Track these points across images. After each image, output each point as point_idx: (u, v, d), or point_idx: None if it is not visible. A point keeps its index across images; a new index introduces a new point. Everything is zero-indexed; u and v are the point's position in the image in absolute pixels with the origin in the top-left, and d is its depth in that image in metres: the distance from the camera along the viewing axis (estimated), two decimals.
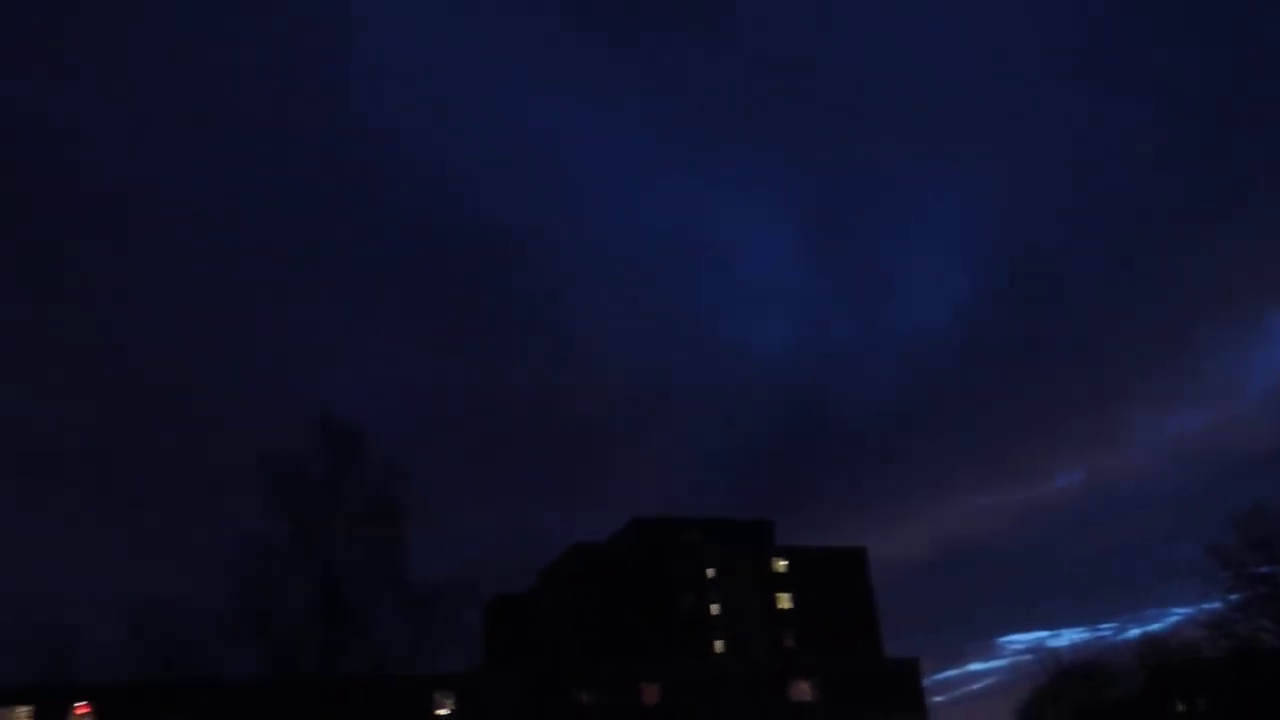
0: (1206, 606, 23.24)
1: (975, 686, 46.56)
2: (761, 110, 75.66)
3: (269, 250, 66.07)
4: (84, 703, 14.37)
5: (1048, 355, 69.83)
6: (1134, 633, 48.36)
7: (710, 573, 24.83)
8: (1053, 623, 58.34)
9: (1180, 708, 23.95)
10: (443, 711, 17.34)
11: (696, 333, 73.41)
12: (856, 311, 76.55)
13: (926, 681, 26.41)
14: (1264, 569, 22.07)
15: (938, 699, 42.31)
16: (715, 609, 24.40)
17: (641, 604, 23.44)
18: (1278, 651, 21.83)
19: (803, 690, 22.82)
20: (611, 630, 22.70)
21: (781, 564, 25.55)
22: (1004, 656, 49.71)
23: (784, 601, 25.08)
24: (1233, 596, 22.30)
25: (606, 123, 74.12)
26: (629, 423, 68.51)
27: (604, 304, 72.54)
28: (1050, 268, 70.86)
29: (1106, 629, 53.05)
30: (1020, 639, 52.99)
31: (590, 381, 69.08)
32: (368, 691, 15.59)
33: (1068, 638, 55.39)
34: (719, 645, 23.91)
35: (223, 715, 15.07)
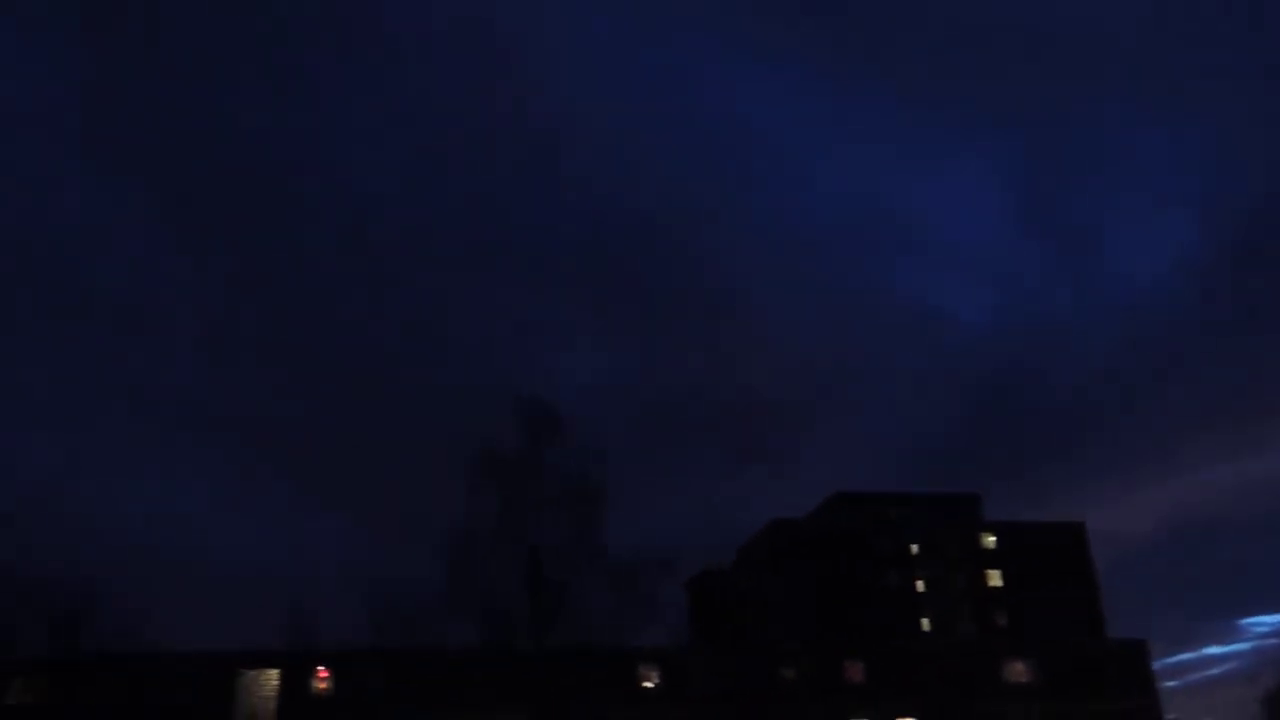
0: None
1: (1213, 672, 43.33)
2: (953, 70, 72.34)
3: (466, 241, 69.15)
4: (323, 668, 15.68)
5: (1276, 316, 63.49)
6: None
7: (914, 549, 24.20)
8: None
9: None
10: (648, 684, 17.80)
11: (896, 304, 71.28)
12: (1067, 274, 72.10)
13: (1157, 665, 24.74)
14: None
15: (1170, 684, 39.52)
16: (920, 586, 23.78)
17: (843, 581, 23.15)
18: None
19: (1018, 671, 21.88)
20: (812, 607, 22.55)
21: (990, 540, 24.56)
22: (1246, 640, 45.95)
23: (994, 579, 24.12)
24: None
25: (793, 90, 72.99)
26: (828, 398, 67.54)
27: (797, 279, 71.66)
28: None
29: None
30: (1265, 621, 48.77)
31: (786, 358, 68.60)
32: (575, 662, 16.18)
33: None
34: (925, 623, 23.32)
35: (443, 682, 16.08)
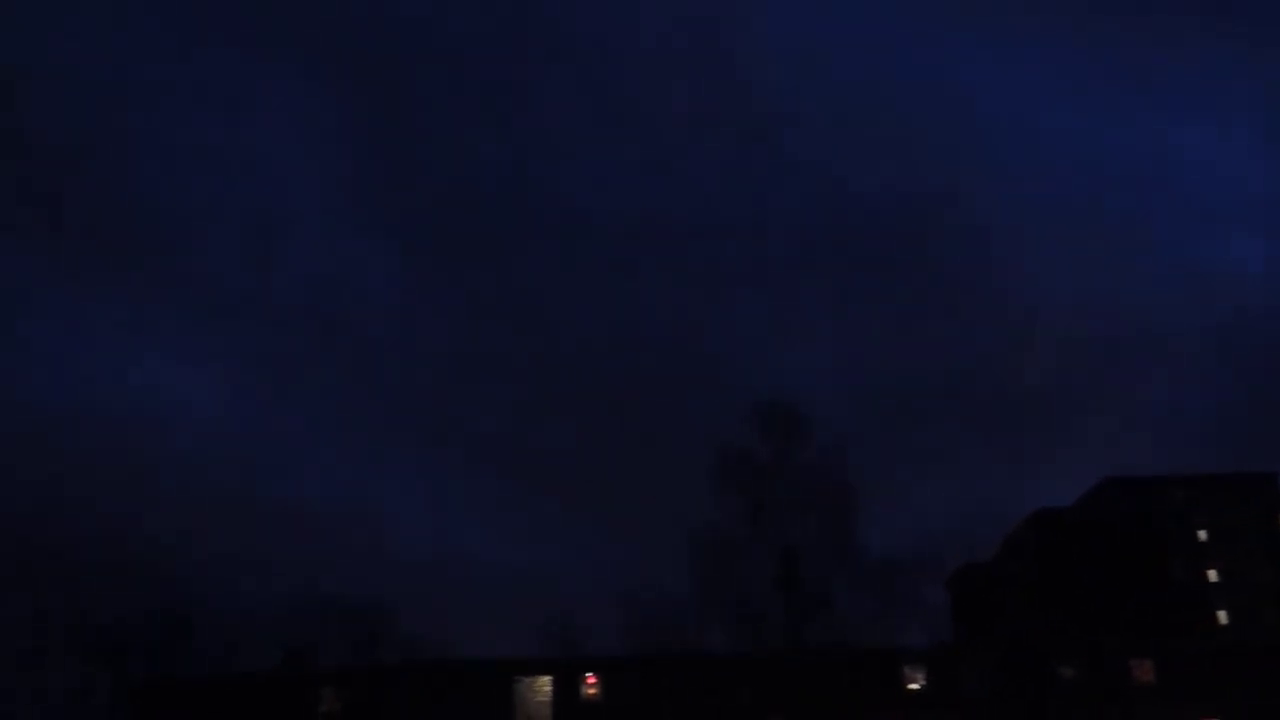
0: None
1: None
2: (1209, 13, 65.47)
3: (695, 241, 69.80)
4: (591, 674, 16.35)
5: None
6: None
7: (1203, 535, 22.13)
8: None
9: None
10: (914, 685, 17.26)
11: (1164, 268, 65.39)
12: None
13: None
14: None
15: None
16: (1213, 576, 21.71)
17: (1120, 571, 21.50)
18: None
19: None
20: (1086, 601, 21.10)
21: None
22: None
23: None
24: None
25: (1033, 56, 68.72)
26: (1095, 378, 62.95)
27: (1052, 250, 67.27)
28: None
29: None
30: None
31: (1045, 337, 64.52)
32: (836, 665, 15.97)
33: None
34: (1222, 617, 21.25)
35: (703, 687, 16.33)
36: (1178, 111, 67.98)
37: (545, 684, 16.56)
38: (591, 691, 16.56)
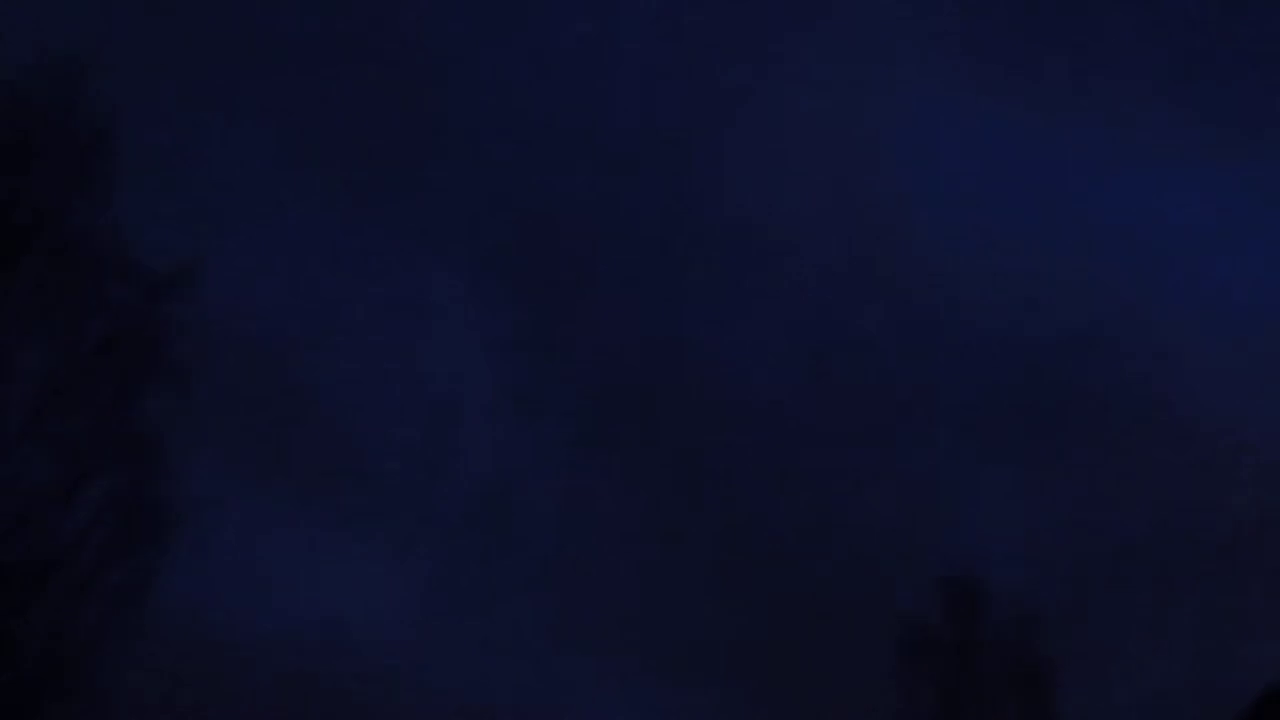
0: None
1: None
2: None
3: (857, 401, 67.48)
4: None
5: None
6: None
7: None
8: None
9: None
10: None
11: None
12: None
13: None
14: None
15: None
16: None
17: None
18: None
19: None
20: None
21: None
22: None
23: None
24: None
25: (1180, 179, 65.88)
26: None
27: (1231, 371, 61.52)
28: None
29: None
30: None
31: (1242, 470, 58.28)
32: None
33: None
34: None
35: None
36: None
37: None
38: None
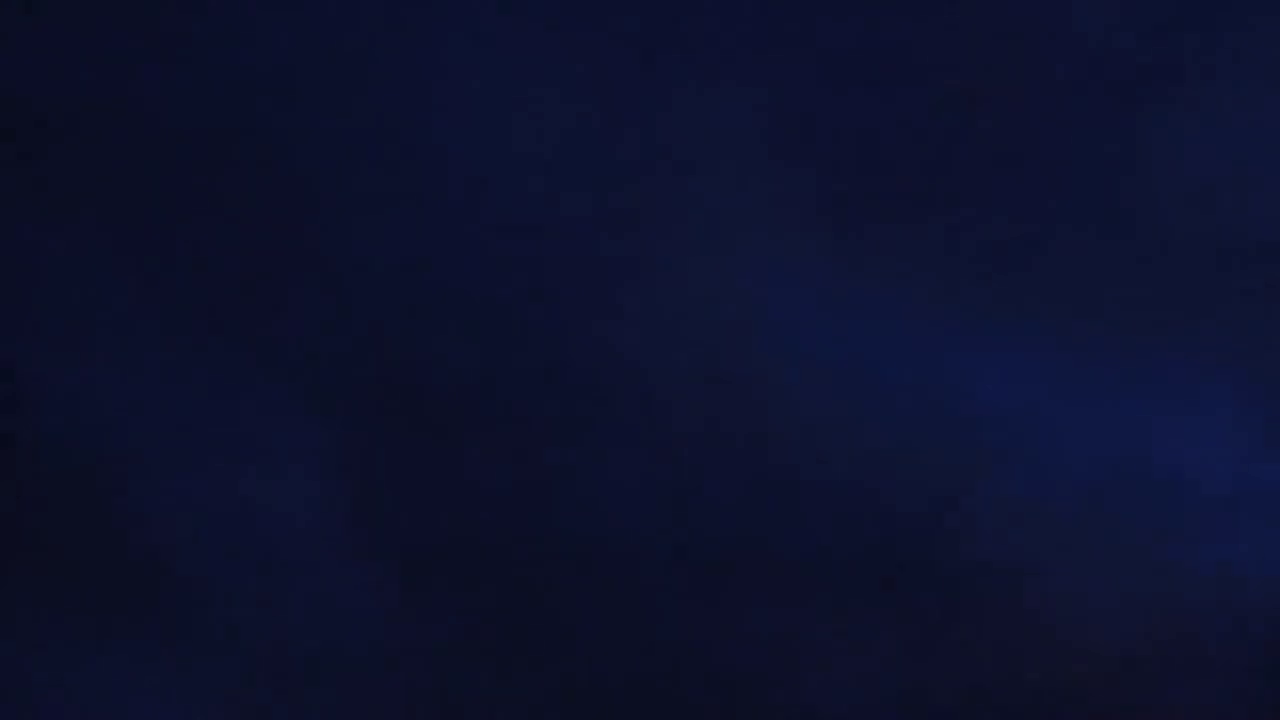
0: None
1: None
2: (1175, 305, 68.36)
3: (713, 562, 67.88)
4: None
5: None
6: None
7: None
8: None
9: None
10: None
11: (1185, 572, 63.14)
12: None
13: None
14: None
15: None
16: None
17: None
18: None
19: None
20: None
21: None
22: None
23: None
24: None
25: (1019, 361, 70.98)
26: (1130, 686, 59.24)
27: (1071, 552, 65.57)
28: None
29: None
30: None
31: (1078, 647, 61.40)
32: None
33: None
34: None
35: None
36: (1178, 416, 69.23)
37: None
38: None
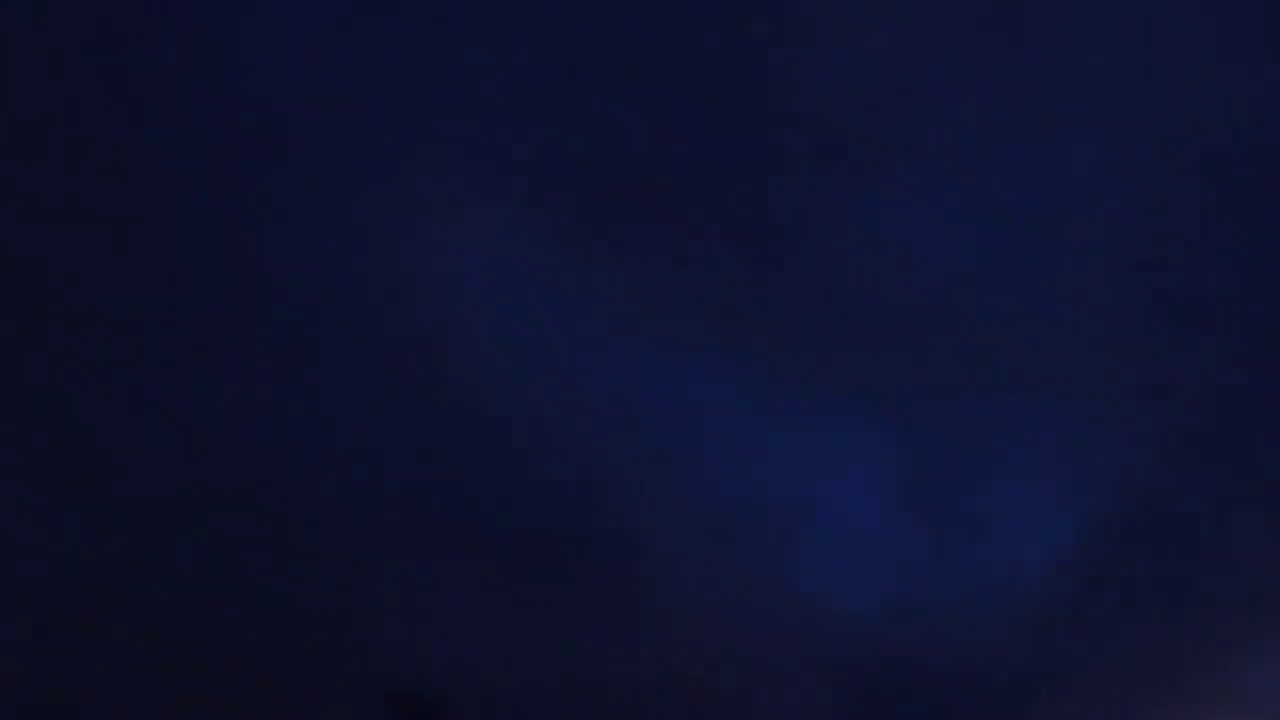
0: None
1: None
2: (840, 353, 75.81)
3: (353, 513, 66.07)
4: None
5: (1160, 604, 64.86)
6: None
7: None
8: None
9: None
10: None
11: (783, 594, 70.16)
12: (951, 560, 72.70)
13: None
14: None
15: None
16: None
17: None
18: None
19: None
20: None
21: None
22: None
23: None
24: None
25: (682, 374, 74.84)
26: (721, 685, 64.64)
27: (684, 562, 70.41)
28: (1161, 510, 66.95)
29: None
30: None
31: (687, 647, 65.83)
32: None
33: None
34: None
35: None
36: (819, 450, 76.12)
37: None
38: None
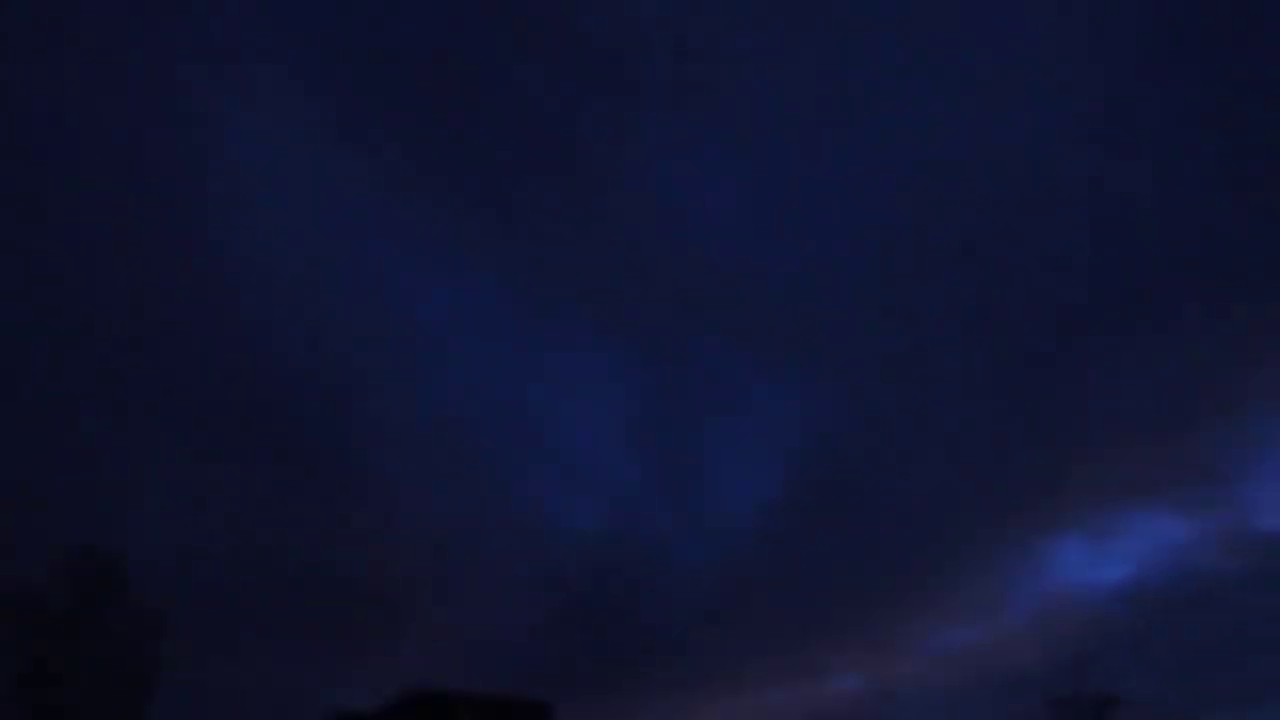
0: None
1: None
2: (605, 290, 77.83)
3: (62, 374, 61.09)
4: None
5: (842, 558, 72.15)
6: None
7: None
8: None
9: None
10: None
11: (505, 502, 72.01)
12: (670, 500, 77.13)
13: None
14: None
15: None
16: None
17: None
18: None
19: None
20: None
21: None
22: None
23: None
24: None
25: (446, 281, 74.50)
26: (425, 586, 65.63)
27: (419, 462, 70.56)
28: (857, 476, 74.07)
29: None
30: None
31: (391, 540, 66.29)
32: None
33: None
34: None
35: None
36: (558, 374, 78.07)
37: None
38: None
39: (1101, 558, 71.09)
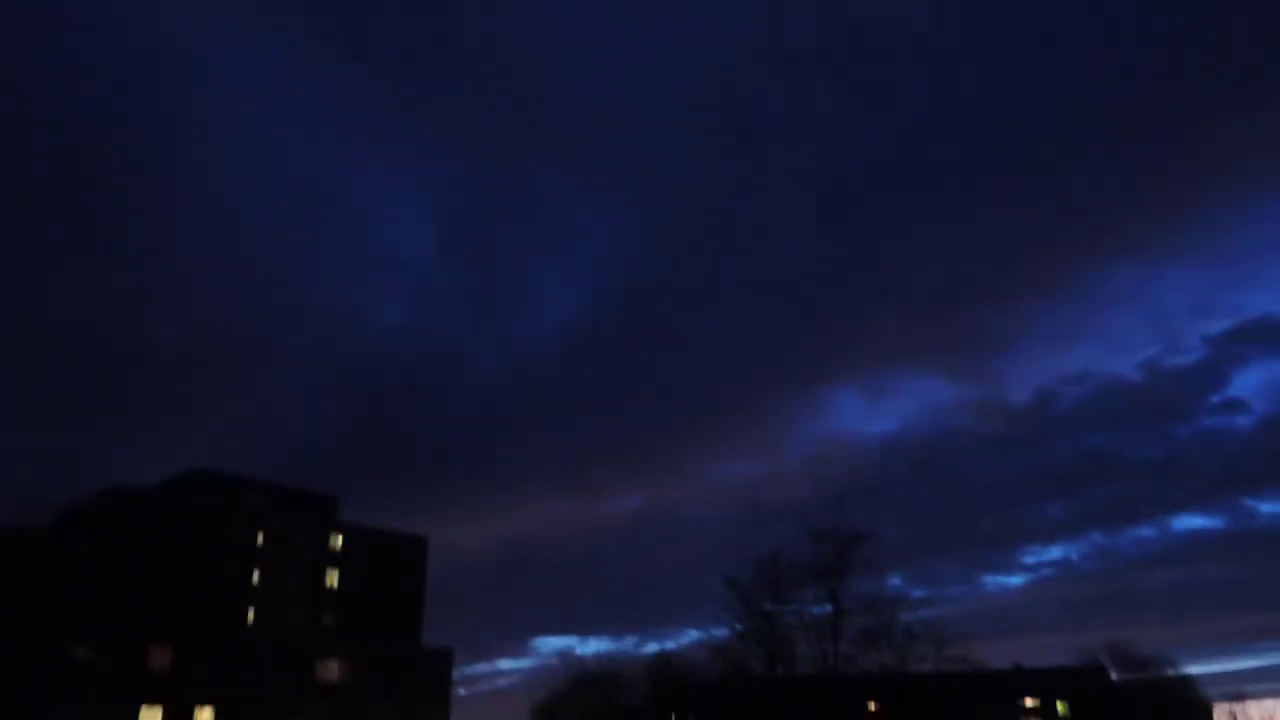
0: (715, 632, 26.23)
1: (501, 683, 48.30)
2: (441, 94, 74.30)
3: None
4: None
5: (635, 386, 74.87)
6: (653, 648, 53.06)
7: (260, 539, 23.67)
8: (585, 631, 62.43)
9: None
10: None
11: (310, 291, 70.12)
12: (477, 309, 77.33)
13: (457, 673, 27.06)
14: (767, 606, 25.32)
15: (462, 691, 43.44)
16: (256, 578, 23.29)
17: (179, 561, 21.83)
18: (762, 678, 25.09)
19: (331, 670, 22.45)
20: (137, 586, 20.89)
21: (338, 540, 25.01)
22: (534, 657, 52.40)
23: (332, 579, 24.57)
24: (738, 626, 25.36)
25: (276, 58, 69.38)
26: (214, 368, 64.05)
27: (222, 242, 67.26)
28: (663, 309, 76.07)
29: (630, 641, 57.69)
30: (552, 642, 56.11)
31: (188, 317, 63.94)
32: None
33: (595, 646, 58.31)
34: (251, 616, 22.84)
35: None
36: (391, 182, 74.74)
37: None
38: None
39: (873, 412, 76.97)
